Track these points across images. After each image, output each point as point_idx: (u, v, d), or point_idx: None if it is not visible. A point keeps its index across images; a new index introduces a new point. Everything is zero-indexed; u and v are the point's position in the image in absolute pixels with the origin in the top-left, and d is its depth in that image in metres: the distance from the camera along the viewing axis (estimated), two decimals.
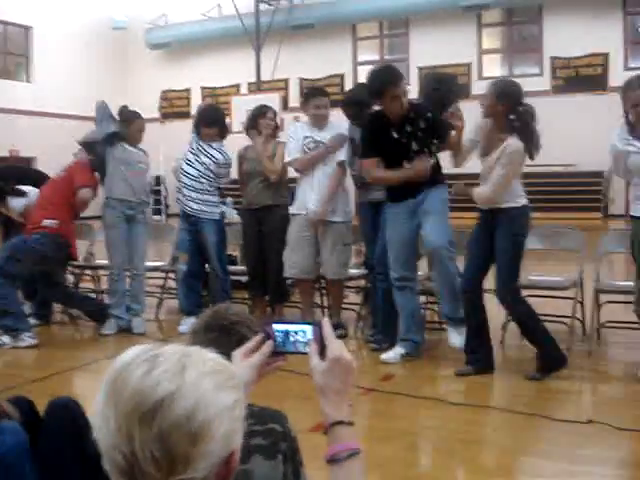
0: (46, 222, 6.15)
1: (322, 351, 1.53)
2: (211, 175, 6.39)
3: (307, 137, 6.04)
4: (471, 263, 4.99)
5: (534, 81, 20.52)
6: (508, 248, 4.79)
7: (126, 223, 6.38)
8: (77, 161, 6.50)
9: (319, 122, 6.05)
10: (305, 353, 1.57)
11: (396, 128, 5.15)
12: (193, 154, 6.46)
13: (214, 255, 6.36)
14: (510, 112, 4.72)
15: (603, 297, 5.70)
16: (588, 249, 5.82)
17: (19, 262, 6.01)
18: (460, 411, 4.23)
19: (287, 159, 6.15)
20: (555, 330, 5.94)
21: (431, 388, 4.85)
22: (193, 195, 6.38)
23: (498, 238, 4.81)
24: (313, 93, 6.32)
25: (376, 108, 5.43)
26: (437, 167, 5.32)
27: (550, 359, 4.84)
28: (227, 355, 1.83)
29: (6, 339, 5.95)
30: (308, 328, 1.60)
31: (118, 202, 6.34)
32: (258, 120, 6.45)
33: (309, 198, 5.98)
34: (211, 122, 6.47)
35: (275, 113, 6.66)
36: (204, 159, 6.39)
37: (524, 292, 5.98)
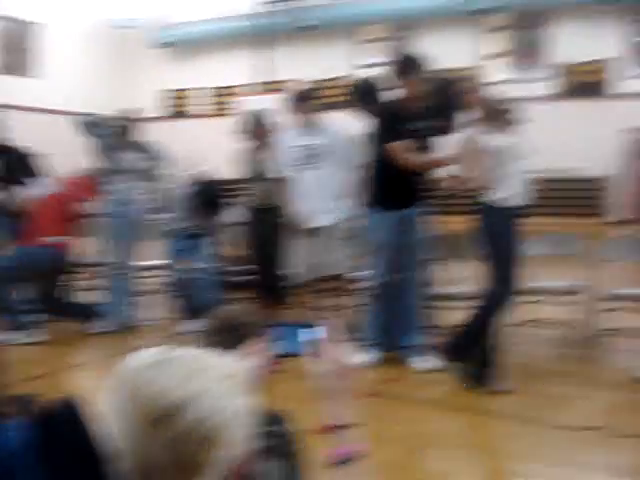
0: (54, 239, 6.27)
1: (324, 354, 1.55)
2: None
3: (294, 146, 6.04)
4: None
5: (539, 86, 20.56)
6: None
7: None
8: (74, 177, 6.62)
9: (310, 127, 6.04)
10: (309, 354, 1.60)
11: (411, 121, 5.14)
12: None
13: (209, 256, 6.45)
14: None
15: (602, 304, 5.72)
16: (587, 255, 5.83)
17: (20, 272, 6.10)
18: (461, 416, 4.25)
19: (281, 172, 6.17)
20: (554, 335, 6.01)
21: (432, 392, 4.87)
22: None
23: None
24: (306, 95, 6.24)
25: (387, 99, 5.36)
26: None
27: (460, 349, 4.86)
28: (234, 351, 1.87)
29: (17, 335, 6.00)
30: (312, 330, 1.63)
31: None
32: (262, 124, 6.46)
33: (316, 207, 5.95)
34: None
35: (274, 116, 6.68)
36: None
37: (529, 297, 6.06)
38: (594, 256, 5.75)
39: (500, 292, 4.66)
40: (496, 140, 4.64)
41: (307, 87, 6.87)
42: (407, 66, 5.11)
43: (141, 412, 1.08)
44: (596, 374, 5.18)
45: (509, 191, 4.68)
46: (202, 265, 6.49)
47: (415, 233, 5.19)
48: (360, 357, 5.28)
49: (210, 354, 1.19)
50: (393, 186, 5.21)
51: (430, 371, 5.09)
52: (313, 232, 6.05)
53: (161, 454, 1.06)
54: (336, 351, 1.51)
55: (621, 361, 5.58)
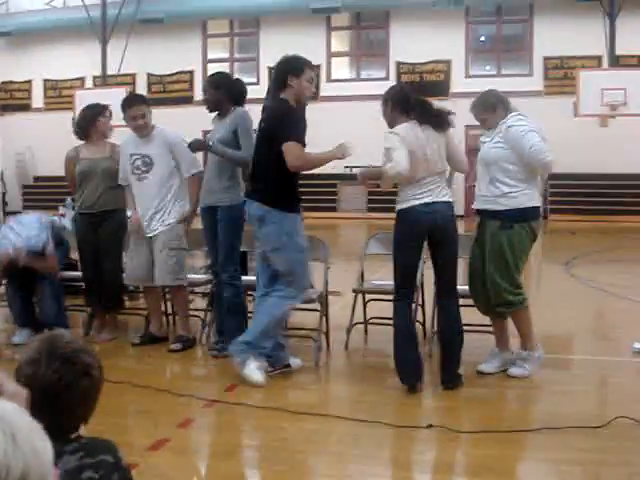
0: None
1: None
2: None
3: (133, 155, 5.84)
4: None
5: (380, 85, 21.05)
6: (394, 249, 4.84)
7: None
8: None
9: (140, 133, 5.84)
10: None
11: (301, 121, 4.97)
12: None
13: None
14: (405, 111, 4.83)
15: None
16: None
17: None
18: (304, 421, 4.20)
19: (119, 182, 5.96)
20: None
21: (277, 398, 4.80)
22: None
23: None
24: (128, 103, 5.90)
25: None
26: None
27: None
28: (74, 384, 1.72)
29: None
30: None
31: None
32: (98, 119, 6.14)
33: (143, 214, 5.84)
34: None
35: (111, 112, 6.37)
36: None
37: (367, 297, 6.11)
38: None
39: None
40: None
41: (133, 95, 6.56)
42: (294, 67, 4.99)
43: None
44: (437, 370, 5.28)
45: None
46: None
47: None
48: (204, 363, 5.09)
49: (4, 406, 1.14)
50: (294, 187, 5.03)
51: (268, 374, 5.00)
52: (148, 239, 5.86)
53: None
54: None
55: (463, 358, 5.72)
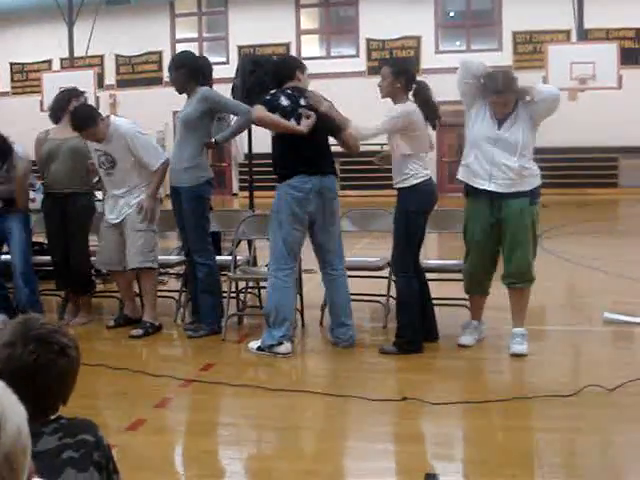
0: None
1: None
2: None
3: (97, 150, 5.75)
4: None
5: (350, 62, 21.01)
6: (399, 225, 5.05)
7: None
8: None
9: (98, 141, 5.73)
10: None
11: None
12: None
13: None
14: (408, 88, 4.98)
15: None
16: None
17: None
18: (280, 397, 4.22)
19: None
20: (371, 308, 6.14)
21: (252, 375, 4.82)
22: None
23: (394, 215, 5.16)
24: (76, 129, 5.68)
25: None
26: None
27: (405, 342, 5.00)
28: (51, 363, 1.72)
29: None
30: None
31: None
32: (71, 101, 6.05)
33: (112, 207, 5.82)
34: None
35: (86, 99, 6.29)
36: None
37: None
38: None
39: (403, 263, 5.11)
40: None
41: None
42: (287, 75, 5.20)
43: None
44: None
45: None
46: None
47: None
48: (179, 343, 5.08)
49: None
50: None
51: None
52: (117, 224, 5.81)
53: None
54: None
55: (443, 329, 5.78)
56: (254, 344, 5.17)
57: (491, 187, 4.86)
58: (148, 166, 5.71)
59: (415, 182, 4.97)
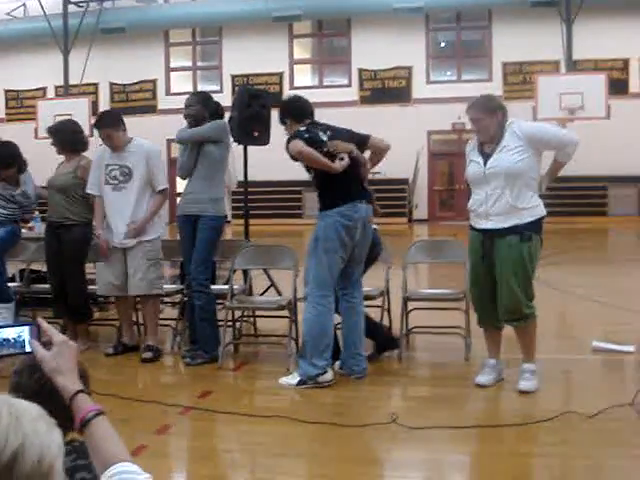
0: None
1: (44, 344, 1.68)
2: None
3: (109, 165, 5.90)
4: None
5: (342, 92, 21.26)
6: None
7: None
8: None
9: (113, 148, 5.91)
10: (29, 352, 1.69)
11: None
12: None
13: None
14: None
15: (410, 304, 5.97)
16: (395, 257, 6.10)
17: None
18: (276, 425, 4.31)
19: (87, 190, 6.00)
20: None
21: (249, 403, 4.91)
22: None
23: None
24: (96, 123, 6.07)
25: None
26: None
27: (382, 341, 5.57)
28: (56, 390, 1.81)
29: None
30: (26, 328, 1.71)
31: None
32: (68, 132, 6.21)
33: (118, 224, 5.89)
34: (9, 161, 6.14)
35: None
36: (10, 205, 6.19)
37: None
38: (403, 258, 5.99)
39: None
40: None
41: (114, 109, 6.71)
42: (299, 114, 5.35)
43: None
44: (407, 372, 5.44)
45: None
46: None
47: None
48: (177, 370, 5.15)
49: (14, 398, 1.22)
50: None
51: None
52: (121, 250, 5.91)
53: None
54: (58, 334, 1.67)
55: (430, 358, 5.88)
56: (289, 379, 5.12)
57: (488, 225, 4.79)
58: (157, 183, 5.87)
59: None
